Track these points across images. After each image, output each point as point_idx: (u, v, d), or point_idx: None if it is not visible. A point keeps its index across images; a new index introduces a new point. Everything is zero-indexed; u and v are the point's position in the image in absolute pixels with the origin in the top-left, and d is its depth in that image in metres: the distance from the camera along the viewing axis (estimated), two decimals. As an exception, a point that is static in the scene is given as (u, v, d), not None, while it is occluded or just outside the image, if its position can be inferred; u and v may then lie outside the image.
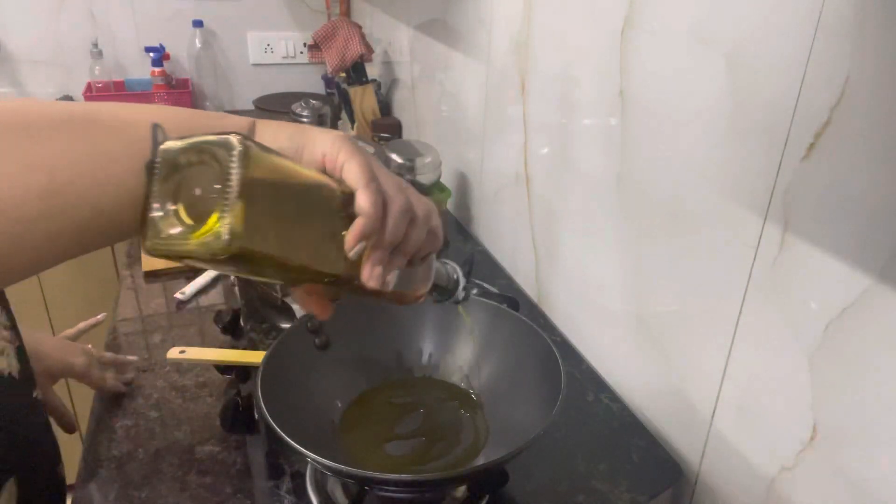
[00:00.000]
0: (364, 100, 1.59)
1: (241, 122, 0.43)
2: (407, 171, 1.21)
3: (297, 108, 1.47)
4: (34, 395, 0.56)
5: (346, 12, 2.02)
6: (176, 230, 0.33)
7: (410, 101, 1.58)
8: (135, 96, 1.81)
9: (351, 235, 0.39)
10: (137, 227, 0.35)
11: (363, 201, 0.39)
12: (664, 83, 0.68)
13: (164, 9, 1.88)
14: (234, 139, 0.33)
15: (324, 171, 0.41)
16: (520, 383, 0.67)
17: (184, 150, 0.34)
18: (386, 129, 1.53)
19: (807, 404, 0.56)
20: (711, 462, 0.69)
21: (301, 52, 2.05)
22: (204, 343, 0.92)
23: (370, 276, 0.41)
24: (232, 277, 1.06)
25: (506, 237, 1.12)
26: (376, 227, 0.39)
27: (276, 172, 0.36)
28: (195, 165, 0.34)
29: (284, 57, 2.04)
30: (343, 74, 1.60)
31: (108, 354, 0.82)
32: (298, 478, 0.66)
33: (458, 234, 1.26)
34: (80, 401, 1.48)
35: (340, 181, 0.40)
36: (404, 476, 0.55)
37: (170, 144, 0.34)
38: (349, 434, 0.65)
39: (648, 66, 0.71)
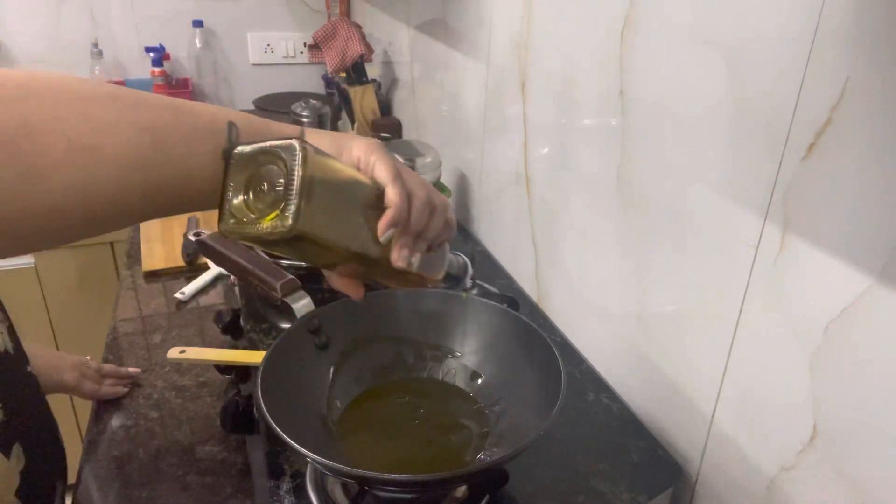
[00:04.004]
0: (364, 100, 1.59)
1: (295, 129, 0.50)
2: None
3: (297, 108, 1.47)
4: (27, 369, 0.57)
5: (346, 12, 2.02)
6: (248, 216, 0.41)
7: (410, 101, 1.58)
8: (135, 96, 1.81)
9: (383, 222, 0.46)
10: (210, 203, 0.42)
11: (392, 194, 0.46)
12: (664, 83, 0.68)
13: (164, 9, 1.88)
14: (296, 143, 0.41)
15: (358, 170, 0.48)
16: (520, 383, 0.67)
17: (255, 152, 0.42)
18: (386, 129, 1.53)
19: (807, 404, 0.56)
20: (711, 462, 0.69)
21: (301, 52, 2.05)
22: (204, 343, 0.92)
23: (399, 256, 0.48)
24: (232, 278, 1.06)
25: (506, 237, 1.12)
26: (404, 216, 0.47)
27: (327, 171, 0.43)
28: (265, 165, 0.41)
29: (284, 57, 2.04)
30: (343, 74, 1.60)
31: (108, 366, 0.82)
32: (298, 478, 0.66)
33: (458, 233, 1.26)
34: (80, 400, 1.48)
35: (372, 179, 0.47)
36: (404, 476, 0.55)
37: (242, 148, 0.42)
38: (349, 434, 0.65)
39: (648, 66, 0.71)
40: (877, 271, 0.48)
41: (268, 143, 0.41)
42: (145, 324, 0.97)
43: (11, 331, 0.57)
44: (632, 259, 0.78)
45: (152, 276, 1.11)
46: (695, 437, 0.71)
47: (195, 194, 0.43)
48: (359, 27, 1.58)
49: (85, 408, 0.81)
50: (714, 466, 0.69)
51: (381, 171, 0.47)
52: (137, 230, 1.29)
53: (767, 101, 0.56)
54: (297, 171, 0.40)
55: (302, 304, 0.69)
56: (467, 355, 0.72)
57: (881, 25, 0.46)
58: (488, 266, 1.13)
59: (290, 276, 0.71)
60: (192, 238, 0.80)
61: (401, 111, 1.68)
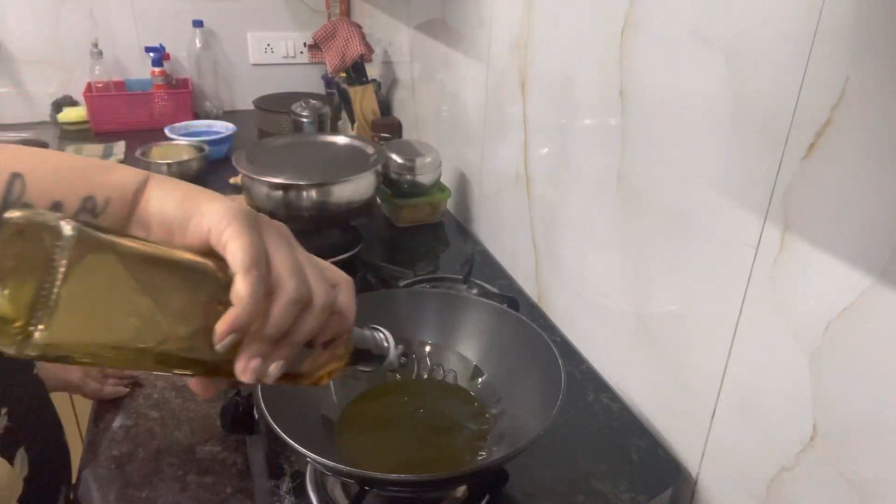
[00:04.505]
0: (364, 100, 1.59)
1: (131, 178, 0.38)
2: (407, 171, 1.21)
3: (297, 108, 1.47)
4: (34, 372, 0.57)
5: (346, 12, 2.02)
6: None
7: (410, 101, 1.58)
8: (135, 96, 1.82)
9: (219, 326, 0.35)
10: None
11: (238, 288, 0.35)
12: (664, 83, 0.68)
13: (164, 9, 1.87)
14: (64, 225, 0.29)
15: (209, 246, 0.37)
16: (520, 383, 0.67)
17: (22, 223, 0.29)
18: (386, 129, 1.53)
19: (807, 404, 0.56)
20: (711, 462, 0.69)
21: (301, 52, 2.05)
22: (204, 343, 0.92)
23: (244, 369, 0.36)
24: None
25: (506, 237, 1.12)
26: (251, 318, 0.35)
27: (120, 263, 0.32)
28: (27, 244, 0.29)
29: (284, 57, 2.04)
30: (343, 74, 1.60)
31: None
32: (298, 478, 0.66)
33: (458, 234, 1.26)
34: (80, 400, 1.48)
35: (220, 263, 0.36)
36: (404, 476, 0.55)
37: (10, 214, 0.29)
38: (349, 434, 0.65)
39: (648, 65, 0.71)
40: (877, 271, 0.48)
41: (31, 213, 0.29)
42: (145, 324, 0.97)
43: None
44: (632, 259, 0.78)
45: (152, 276, 1.11)
46: (695, 437, 0.71)
47: None
48: (359, 27, 1.58)
49: (85, 408, 0.81)
50: (714, 466, 0.69)
51: (234, 252, 0.35)
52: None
53: (767, 100, 0.56)
54: (59, 266, 0.29)
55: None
56: (467, 355, 0.72)
57: (881, 25, 0.46)
58: (488, 266, 1.13)
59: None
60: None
61: (401, 111, 1.68)
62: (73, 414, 1.67)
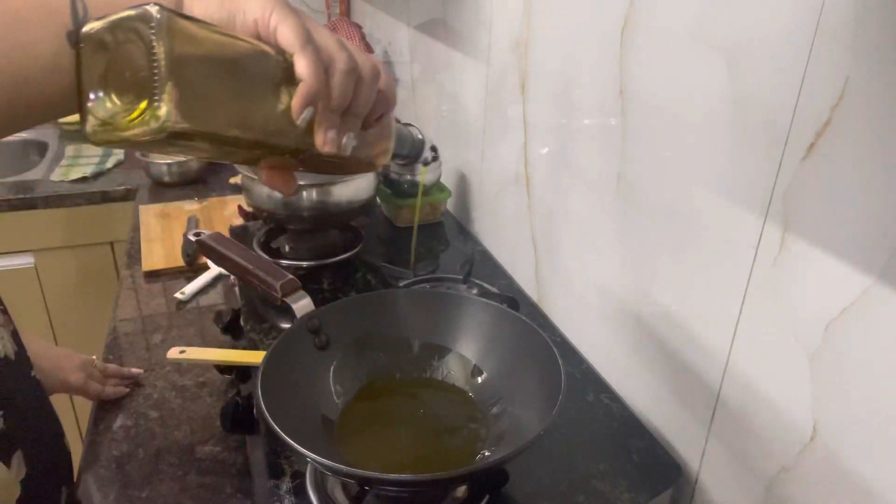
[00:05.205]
0: (364, 100, 1.59)
1: None
2: (407, 171, 1.21)
3: (297, 108, 1.47)
4: (31, 374, 0.56)
5: (346, 12, 2.02)
6: (115, 115, 0.32)
7: (410, 100, 1.58)
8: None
9: (295, 101, 0.38)
10: (71, 104, 0.34)
11: (301, 65, 0.37)
12: (664, 83, 0.68)
13: (164, 9, 1.87)
14: (152, 10, 0.31)
15: (259, 37, 0.39)
16: (520, 383, 0.67)
17: (104, 29, 0.32)
18: (386, 128, 1.53)
19: (807, 404, 0.56)
20: (711, 462, 0.69)
21: (301, 52, 2.05)
22: (204, 343, 0.92)
23: (324, 140, 0.40)
24: (232, 278, 1.06)
25: (506, 237, 1.12)
26: (320, 89, 0.38)
27: (206, 43, 0.34)
28: (121, 45, 0.32)
29: (284, 57, 2.04)
30: (343, 74, 1.60)
31: (112, 367, 0.82)
32: (298, 478, 0.66)
33: (458, 234, 1.26)
34: (80, 400, 1.48)
35: (276, 47, 0.38)
36: (404, 476, 0.55)
37: (91, 26, 0.32)
38: (349, 434, 0.65)
39: (648, 66, 0.71)
40: (877, 271, 0.48)
41: (118, 15, 0.32)
42: (145, 324, 0.97)
43: (15, 335, 0.56)
44: (632, 259, 0.78)
45: (152, 276, 1.11)
46: (695, 437, 0.71)
47: (43, 97, 0.35)
48: (359, 27, 1.58)
49: (85, 408, 0.81)
50: (714, 466, 0.69)
51: (286, 34, 0.38)
52: (137, 230, 1.30)
53: (767, 100, 0.56)
54: (160, 48, 0.31)
55: (302, 304, 0.69)
56: (467, 355, 0.72)
57: (881, 25, 0.46)
58: (488, 266, 1.13)
59: (290, 276, 0.71)
60: (192, 238, 0.80)
61: (401, 111, 1.68)
62: (72, 414, 1.67)
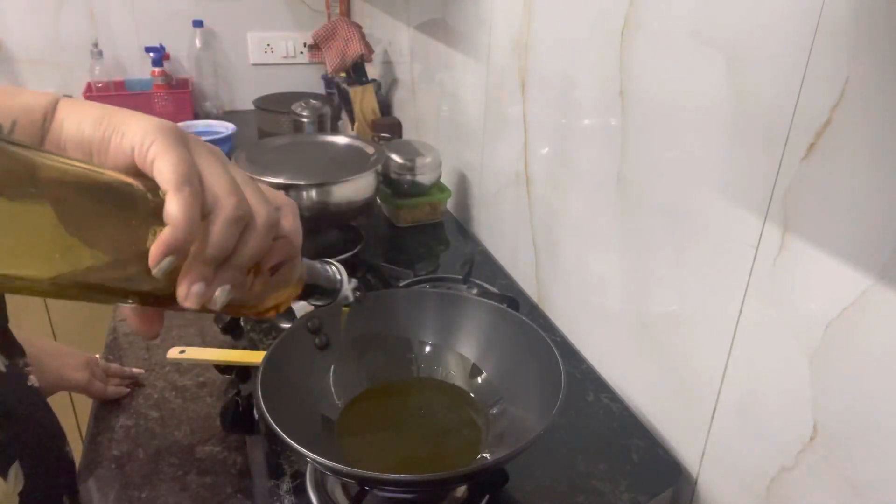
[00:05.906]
0: (364, 100, 1.59)
1: (38, 100, 0.36)
2: (407, 171, 1.21)
3: (297, 108, 1.47)
4: (28, 384, 0.56)
5: (346, 12, 2.02)
6: None
7: (410, 101, 1.58)
8: (135, 96, 1.81)
9: (153, 248, 0.32)
10: None
11: (170, 207, 0.32)
12: (664, 83, 0.68)
13: (164, 9, 1.87)
14: None
15: (134, 168, 0.34)
16: (520, 383, 0.67)
17: None
18: (386, 129, 1.53)
19: (807, 404, 0.56)
20: (711, 462, 0.69)
21: (301, 52, 2.05)
22: (204, 343, 0.92)
23: (185, 295, 0.34)
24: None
25: (506, 237, 1.12)
26: (186, 238, 0.32)
27: (42, 184, 0.29)
28: None
29: (284, 57, 2.04)
30: (343, 74, 1.60)
31: (114, 366, 0.82)
32: (298, 478, 0.66)
33: (458, 234, 1.26)
34: (80, 400, 1.48)
35: (148, 182, 0.33)
36: (404, 476, 0.55)
37: None
38: (349, 434, 0.65)
39: (648, 66, 0.71)
40: (877, 271, 0.48)
41: None
42: (145, 324, 0.97)
43: (6, 346, 0.54)
44: (632, 259, 0.78)
45: (152, 276, 1.10)
46: (695, 437, 0.71)
47: None
48: (359, 27, 1.58)
49: (85, 408, 0.81)
50: (714, 466, 0.69)
51: (162, 170, 0.32)
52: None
53: (767, 100, 0.56)
54: None
55: (302, 304, 0.69)
56: (467, 355, 0.72)
57: (881, 25, 0.46)
58: (488, 266, 1.13)
59: (290, 277, 0.71)
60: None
61: (401, 111, 1.68)
62: (72, 414, 1.67)
